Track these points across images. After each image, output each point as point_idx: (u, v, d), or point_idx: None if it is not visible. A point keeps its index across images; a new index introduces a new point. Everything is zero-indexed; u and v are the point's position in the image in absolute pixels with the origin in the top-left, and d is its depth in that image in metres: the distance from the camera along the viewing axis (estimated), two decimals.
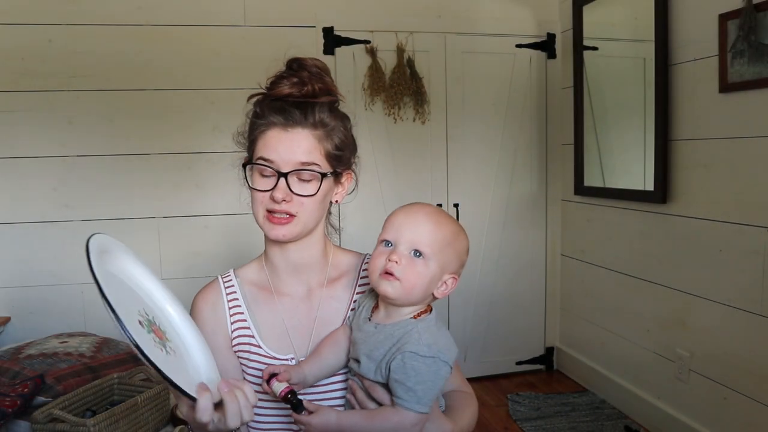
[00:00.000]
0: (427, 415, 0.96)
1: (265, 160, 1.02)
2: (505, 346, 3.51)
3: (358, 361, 0.99)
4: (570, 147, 3.35)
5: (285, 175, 1.00)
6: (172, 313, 0.97)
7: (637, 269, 2.90)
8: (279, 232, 1.03)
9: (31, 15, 2.83)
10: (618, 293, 3.05)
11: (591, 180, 3.21)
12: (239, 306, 1.11)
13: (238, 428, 0.89)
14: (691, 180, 2.54)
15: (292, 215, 1.02)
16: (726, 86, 2.29)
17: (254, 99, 1.07)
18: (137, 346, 0.77)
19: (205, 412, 0.83)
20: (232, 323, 1.10)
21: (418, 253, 0.97)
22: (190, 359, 0.94)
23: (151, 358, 0.78)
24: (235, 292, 1.12)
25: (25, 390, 1.90)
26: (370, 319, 1.02)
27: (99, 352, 2.23)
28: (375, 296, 1.04)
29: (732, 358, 2.37)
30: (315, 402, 1.00)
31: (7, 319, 2.86)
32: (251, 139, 1.06)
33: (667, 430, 2.71)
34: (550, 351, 3.63)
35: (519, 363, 3.57)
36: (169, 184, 3.03)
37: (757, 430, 2.25)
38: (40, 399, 1.93)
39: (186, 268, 3.03)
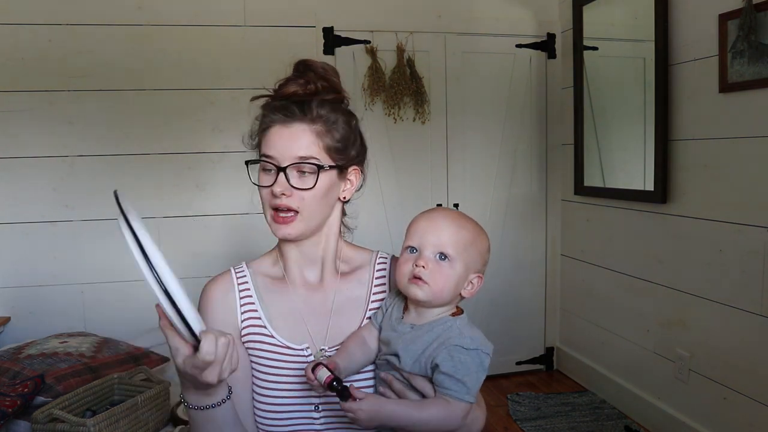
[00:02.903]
0: (473, 405, 0.99)
1: (266, 156, 1.05)
2: (505, 346, 3.50)
3: (396, 355, 1.01)
4: (570, 147, 3.35)
5: (284, 170, 1.02)
6: (171, 286, 0.96)
7: (637, 269, 2.90)
8: (285, 231, 1.05)
9: (31, 15, 2.83)
10: (618, 293, 3.05)
11: (591, 180, 3.21)
12: (250, 296, 1.12)
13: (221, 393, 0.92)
14: (691, 180, 2.54)
15: (293, 210, 1.04)
16: (726, 86, 2.29)
17: (260, 101, 1.09)
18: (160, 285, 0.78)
19: (177, 351, 0.84)
20: (242, 313, 1.10)
21: (443, 256, 1.01)
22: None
23: (173, 294, 0.79)
24: (246, 282, 1.13)
25: (25, 390, 1.89)
26: (402, 319, 1.04)
27: (99, 352, 2.23)
28: (403, 297, 1.07)
29: (732, 358, 2.37)
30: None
31: (7, 319, 2.86)
32: (257, 140, 1.09)
33: (667, 430, 2.71)
34: (550, 351, 3.63)
35: (519, 363, 3.57)
36: (169, 184, 3.03)
37: (757, 430, 2.25)
38: (40, 399, 1.93)
39: (185, 269, 3.03)
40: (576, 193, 3.32)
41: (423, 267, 0.99)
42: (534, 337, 3.60)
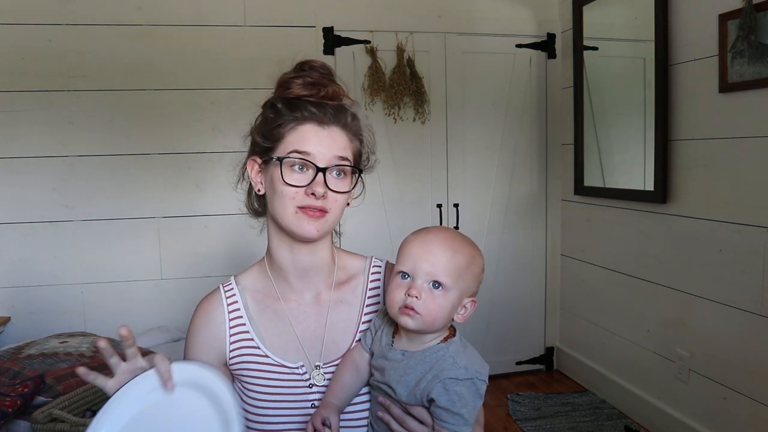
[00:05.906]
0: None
1: (300, 153, 1.00)
2: (505, 346, 3.51)
3: (390, 386, 0.98)
4: (570, 147, 3.35)
5: (324, 170, 0.99)
6: None
7: (637, 269, 2.89)
8: (312, 227, 1.00)
9: (31, 15, 2.83)
10: (618, 293, 3.05)
11: (591, 180, 3.21)
12: (241, 317, 1.07)
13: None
14: (691, 180, 2.54)
15: (325, 211, 1.00)
16: (726, 86, 2.29)
17: (271, 99, 1.06)
18: None
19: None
20: (231, 335, 1.07)
21: (437, 284, 0.95)
22: None
23: None
24: (236, 302, 1.09)
25: (25, 390, 1.90)
26: (392, 345, 1.01)
27: (99, 352, 2.23)
28: (393, 321, 1.02)
29: (732, 358, 2.37)
30: (344, 423, 1.00)
31: (7, 319, 2.86)
32: (277, 134, 1.02)
33: (667, 430, 2.71)
34: (550, 351, 3.63)
35: (519, 363, 3.57)
36: (169, 184, 3.03)
37: (757, 430, 2.25)
38: (40, 399, 1.93)
39: (186, 269, 3.04)
40: (576, 193, 3.32)
41: (416, 297, 0.94)
42: (534, 337, 3.60)
